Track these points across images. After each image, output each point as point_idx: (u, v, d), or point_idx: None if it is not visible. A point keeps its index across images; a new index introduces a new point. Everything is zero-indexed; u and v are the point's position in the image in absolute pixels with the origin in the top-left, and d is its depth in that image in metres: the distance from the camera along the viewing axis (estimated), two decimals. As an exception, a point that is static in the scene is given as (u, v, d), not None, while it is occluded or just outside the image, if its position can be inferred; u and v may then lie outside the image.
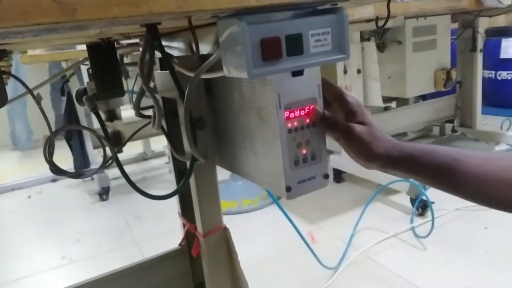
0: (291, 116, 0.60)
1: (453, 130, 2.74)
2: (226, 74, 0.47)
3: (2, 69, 0.66)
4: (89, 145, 2.57)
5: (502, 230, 1.70)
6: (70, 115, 2.55)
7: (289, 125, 0.60)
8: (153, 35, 0.71)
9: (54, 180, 3.09)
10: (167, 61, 0.73)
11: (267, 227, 1.99)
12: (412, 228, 1.75)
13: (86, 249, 1.96)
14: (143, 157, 3.42)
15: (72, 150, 2.70)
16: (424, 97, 3.05)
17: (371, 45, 2.13)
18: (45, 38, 0.56)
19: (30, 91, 0.74)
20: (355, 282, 1.47)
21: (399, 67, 2.34)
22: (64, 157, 2.40)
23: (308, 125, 0.62)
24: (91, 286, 0.93)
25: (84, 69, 2.79)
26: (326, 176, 0.66)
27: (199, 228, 0.83)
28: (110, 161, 0.83)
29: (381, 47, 2.38)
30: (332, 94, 0.63)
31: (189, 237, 0.91)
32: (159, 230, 2.05)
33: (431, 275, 1.45)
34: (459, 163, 0.55)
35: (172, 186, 0.74)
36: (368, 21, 1.80)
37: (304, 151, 0.62)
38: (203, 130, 0.77)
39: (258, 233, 1.92)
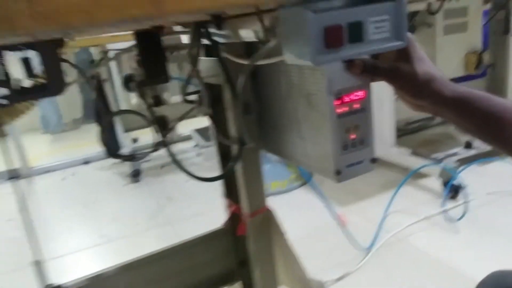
0: (340, 102, 0.61)
1: (484, 113, 2.69)
2: (287, 61, 0.49)
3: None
4: (119, 128, 2.64)
5: (536, 215, 1.69)
6: (103, 100, 2.62)
7: (339, 110, 0.61)
8: (202, 23, 0.73)
9: (86, 163, 3.19)
10: (215, 48, 0.75)
11: (297, 209, 2.02)
12: (444, 211, 1.75)
13: (122, 228, 2.04)
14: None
15: (103, 133, 2.78)
16: (452, 81, 2.98)
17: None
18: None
19: (87, 78, 0.78)
20: (387, 263, 1.49)
21: (429, 50, 2.30)
22: (92, 141, 2.48)
23: (357, 110, 0.63)
24: (138, 265, 0.98)
25: (111, 54, 2.85)
26: (373, 160, 0.68)
27: (245, 209, 0.87)
28: (159, 145, 0.86)
29: (410, 30, 2.35)
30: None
31: (232, 217, 0.95)
32: (191, 211, 2.10)
33: (464, 258, 1.46)
34: None
35: (200, 168, 0.78)
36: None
37: (352, 136, 0.64)
38: (250, 115, 0.79)
39: (288, 215, 1.92)
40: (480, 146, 2.31)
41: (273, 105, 0.79)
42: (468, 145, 2.38)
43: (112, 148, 2.71)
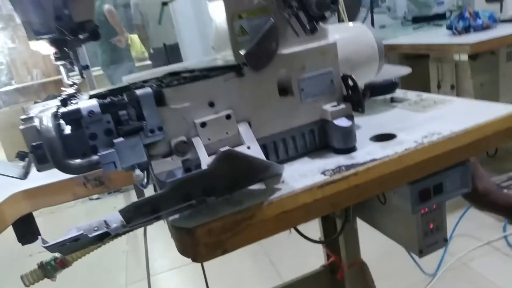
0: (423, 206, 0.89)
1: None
2: (393, 203, 0.78)
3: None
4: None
5: None
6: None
7: (422, 211, 0.89)
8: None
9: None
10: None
11: (364, 232, 2.26)
12: (505, 237, 1.94)
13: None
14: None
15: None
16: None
17: (464, 63, 2.27)
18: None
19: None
20: (451, 288, 1.72)
21: (492, 76, 2.44)
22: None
23: (434, 209, 0.90)
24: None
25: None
26: (445, 240, 0.95)
27: (343, 259, 1.17)
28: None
29: (473, 56, 2.49)
30: None
31: (330, 263, 1.25)
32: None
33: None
34: None
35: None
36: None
37: (431, 225, 0.91)
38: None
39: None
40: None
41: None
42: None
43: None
